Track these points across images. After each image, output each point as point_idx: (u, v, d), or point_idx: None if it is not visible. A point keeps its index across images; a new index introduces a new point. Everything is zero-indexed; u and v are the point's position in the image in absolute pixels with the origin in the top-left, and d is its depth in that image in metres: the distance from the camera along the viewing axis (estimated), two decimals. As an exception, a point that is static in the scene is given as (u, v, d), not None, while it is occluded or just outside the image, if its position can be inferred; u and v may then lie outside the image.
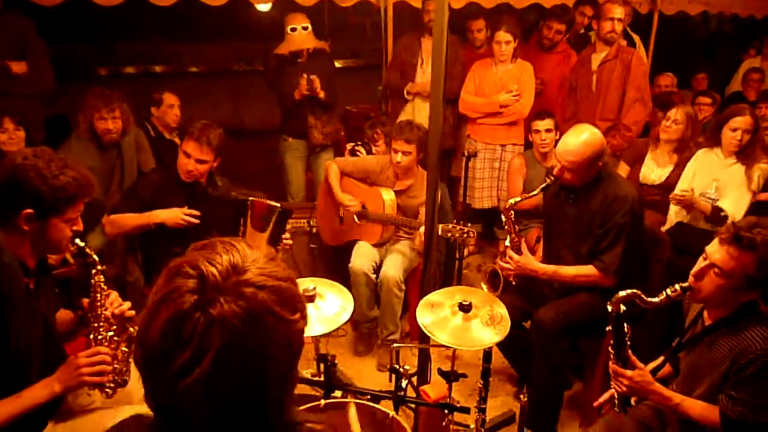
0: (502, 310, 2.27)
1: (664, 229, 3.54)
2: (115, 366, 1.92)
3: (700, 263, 1.99)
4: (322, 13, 5.45)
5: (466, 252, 4.03)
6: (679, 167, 3.66)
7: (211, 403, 0.86)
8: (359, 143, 4.18)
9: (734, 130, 3.40)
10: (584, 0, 4.88)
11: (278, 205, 3.03)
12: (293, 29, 4.24)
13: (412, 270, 3.65)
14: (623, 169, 3.94)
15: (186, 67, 6.60)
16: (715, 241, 1.95)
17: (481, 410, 2.43)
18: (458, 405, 2.29)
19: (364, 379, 3.40)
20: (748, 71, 5.44)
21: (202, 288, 0.87)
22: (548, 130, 3.89)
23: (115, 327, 1.96)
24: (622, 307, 2.08)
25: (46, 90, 3.86)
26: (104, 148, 3.57)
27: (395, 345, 2.44)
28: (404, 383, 2.37)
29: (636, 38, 5.17)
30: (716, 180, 3.44)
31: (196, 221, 2.95)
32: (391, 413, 2.17)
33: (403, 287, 3.48)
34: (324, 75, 4.31)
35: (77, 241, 1.86)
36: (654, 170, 3.79)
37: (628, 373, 2.10)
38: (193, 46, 6.67)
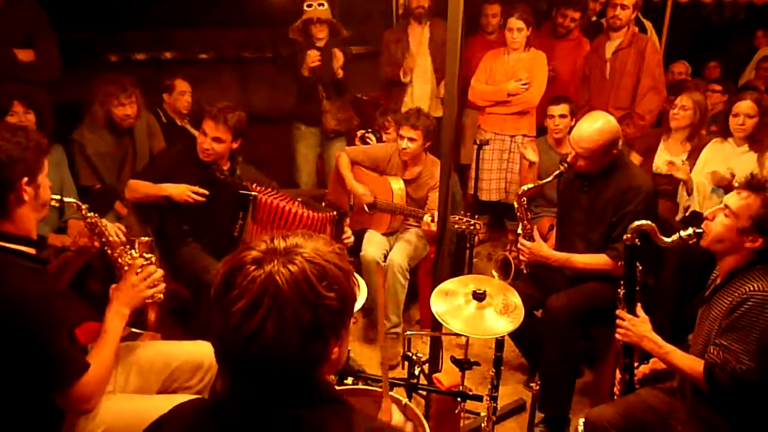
0: (515, 299, 2.27)
1: (678, 218, 3.53)
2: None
3: (715, 207, 2.13)
4: (332, 2, 5.40)
5: (476, 241, 4.03)
6: (693, 156, 3.64)
7: (259, 358, 1.02)
8: (369, 130, 4.17)
9: (736, 115, 3.41)
10: (597, -14, 4.85)
11: (335, 212, 3.06)
12: (309, 5, 4.24)
13: (423, 259, 3.65)
14: (635, 159, 3.91)
15: (195, 54, 6.56)
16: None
17: (493, 398, 2.44)
18: (471, 393, 2.30)
19: (375, 367, 3.42)
20: (760, 60, 5.39)
21: (267, 251, 1.06)
22: (562, 116, 3.84)
23: (128, 245, 2.17)
24: (637, 241, 2.19)
25: (52, 78, 3.85)
26: (117, 133, 3.59)
27: (408, 333, 2.45)
28: (417, 371, 2.38)
29: (648, 25, 5.12)
30: (729, 168, 3.42)
31: (202, 199, 3.00)
32: (404, 400, 2.18)
33: (408, 275, 3.48)
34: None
35: (53, 196, 1.93)
36: (668, 159, 3.76)
37: (628, 316, 2.22)
38: (202, 32, 6.63)
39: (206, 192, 3.01)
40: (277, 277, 1.01)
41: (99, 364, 1.83)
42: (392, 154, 3.66)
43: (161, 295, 2.14)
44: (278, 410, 1.06)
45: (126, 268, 2.12)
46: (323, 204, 3.17)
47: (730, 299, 1.98)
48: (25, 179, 1.74)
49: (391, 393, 2.20)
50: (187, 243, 3.08)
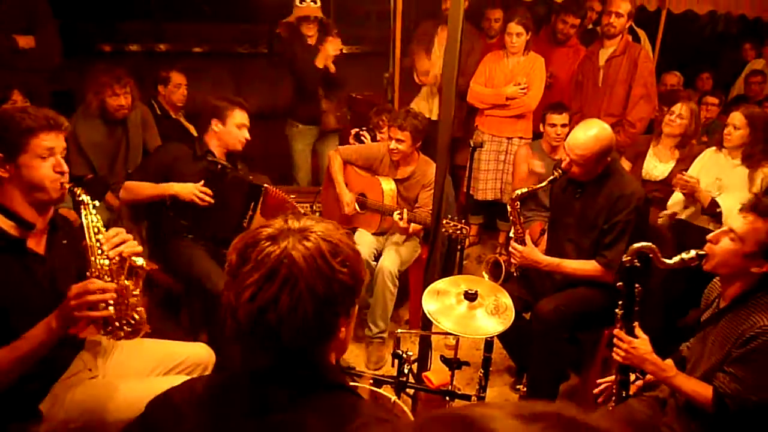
0: (506, 300, 2.29)
1: (660, 218, 3.56)
2: (121, 303, 1.84)
3: (719, 230, 2.05)
4: (327, 1, 5.41)
5: (466, 243, 4.05)
6: (682, 163, 3.68)
7: (271, 326, 1.05)
8: (364, 128, 4.17)
9: (726, 125, 3.43)
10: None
11: (296, 205, 3.16)
12: (302, 1, 4.21)
13: (414, 260, 3.66)
14: (626, 165, 3.95)
15: (190, 47, 6.55)
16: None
17: (481, 399, 2.45)
18: (460, 392, 2.31)
19: (362, 364, 3.43)
20: (749, 74, 5.46)
21: (281, 230, 1.10)
22: (564, 125, 3.86)
23: (115, 263, 1.84)
24: (636, 263, 2.11)
25: (52, 66, 3.83)
26: (110, 124, 3.56)
27: (398, 332, 2.45)
28: (406, 369, 2.39)
29: (642, 34, 5.16)
30: (719, 179, 3.45)
31: (209, 200, 2.96)
32: (393, 398, 2.19)
33: (397, 282, 3.48)
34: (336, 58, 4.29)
35: (64, 183, 1.86)
36: (657, 166, 3.80)
37: (627, 338, 2.14)
38: (197, 26, 6.63)
39: (211, 192, 2.98)
40: (293, 252, 1.06)
41: None
42: (385, 154, 3.66)
43: (120, 332, 1.85)
44: (285, 389, 1.09)
45: (87, 274, 1.82)
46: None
47: (741, 328, 1.93)
48: None
49: (379, 390, 2.21)
50: (183, 238, 3.05)
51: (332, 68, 4.24)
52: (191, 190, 2.95)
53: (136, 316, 1.89)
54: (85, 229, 1.85)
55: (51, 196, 1.85)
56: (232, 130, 3.03)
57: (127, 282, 1.86)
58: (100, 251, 1.83)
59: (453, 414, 0.55)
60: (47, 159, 1.81)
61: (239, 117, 3.04)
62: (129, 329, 1.88)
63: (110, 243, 1.84)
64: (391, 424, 1.12)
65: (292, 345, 1.08)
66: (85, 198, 1.87)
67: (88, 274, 1.83)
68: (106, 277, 1.82)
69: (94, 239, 1.85)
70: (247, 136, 3.06)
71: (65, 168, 1.86)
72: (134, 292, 1.88)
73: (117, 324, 1.86)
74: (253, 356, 1.12)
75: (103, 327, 1.85)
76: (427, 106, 4.62)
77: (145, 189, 2.98)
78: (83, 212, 1.86)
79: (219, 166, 3.04)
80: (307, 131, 4.53)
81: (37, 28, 3.69)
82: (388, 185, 3.59)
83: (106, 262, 1.83)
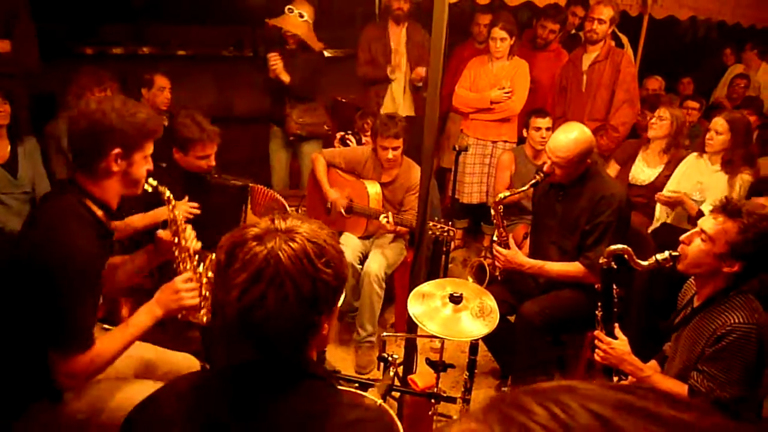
0: (491, 303, 2.29)
1: (650, 229, 3.60)
2: (206, 293, 2.06)
3: (691, 231, 2.10)
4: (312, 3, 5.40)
5: (452, 246, 4.06)
6: (668, 168, 3.72)
7: (257, 324, 1.08)
8: (349, 132, 4.17)
9: (709, 130, 3.48)
10: (576, 0, 4.92)
11: (283, 200, 3.15)
12: (290, 10, 4.16)
13: (400, 263, 3.66)
14: (614, 169, 3.99)
15: (174, 50, 6.51)
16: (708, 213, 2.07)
17: (466, 401, 2.46)
18: (445, 395, 2.31)
19: (348, 368, 3.43)
20: (735, 77, 5.54)
21: (268, 230, 1.12)
22: (548, 129, 3.90)
23: (197, 256, 2.13)
24: (613, 264, 2.17)
25: (29, 70, 3.78)
26: (93, 127, 3.52)
27: (384, 335, 2.46)
28: (391, 372, 2.39)
29: (624, 39, 5.23)
30: (700, 183, 3.50)
31: (198, 212, 2.93)
32: (379, 401, 2.18)
33: (384, 285, 3.48)
34: (306, 67, 4.24)
35: (150, 180, 1.98)
36: (644, 170, 3.84)
37: (606, 339, 2.19)
38: (181, 29, 6.59)
39: (198, 206, 2.94)
40: (279, 253, 1.09)
41: (103, 350, 1.79)
42: (369, 157, 3.66)
43: (204, 318, 2.10)
44: (269, 383, 1.13)
45: (178, 267, 2.10)
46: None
47: (712, 326, 1.98)
48: (117, 150, 1.79)
49: (365, 394, 2.21)
50: None
51: (285, 80, 4.16)
52: (185, 209, 2.89)
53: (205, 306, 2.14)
54: (174, 224, 2.09)
55: (137, 191, 1.96)
56: (193, 160, 2.96)
57: (211, 274, 2.07)
58: (184, 246, 2.10)
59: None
60: (147, 159, 1.91)
61: (201, 150, 2.94)
62: (206, 311, 2.11)
63: (191, 237, 2.13)
64: (362, 407, 1.17)
65: (277, 342, 1.12)
66: (170, 195, 2.07)
67: (179, 267, 2.09)
68: (191, 269, 2.07)
69: (180, 234, 2.10)
70: (212, 162, 2.98)
71: (152, 167, 1.97)
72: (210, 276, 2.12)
73: (204, 311, 2.09)
74: (238, 352, 1.15)
75: (193, 311, 2.08)
76: (393, 106, 4.64)
77: (135, 222, 2.87)
78: (170, 209, 2.08)
79: (198, 177, 3.00)
80: (280, 132, 4.51)
81: (15, 33, 3.63)
82: (373, 189, 3.59)
83: (189, 255, 2.11)
